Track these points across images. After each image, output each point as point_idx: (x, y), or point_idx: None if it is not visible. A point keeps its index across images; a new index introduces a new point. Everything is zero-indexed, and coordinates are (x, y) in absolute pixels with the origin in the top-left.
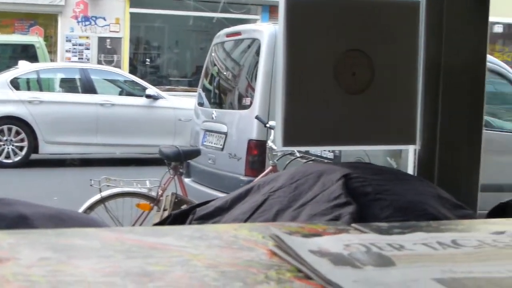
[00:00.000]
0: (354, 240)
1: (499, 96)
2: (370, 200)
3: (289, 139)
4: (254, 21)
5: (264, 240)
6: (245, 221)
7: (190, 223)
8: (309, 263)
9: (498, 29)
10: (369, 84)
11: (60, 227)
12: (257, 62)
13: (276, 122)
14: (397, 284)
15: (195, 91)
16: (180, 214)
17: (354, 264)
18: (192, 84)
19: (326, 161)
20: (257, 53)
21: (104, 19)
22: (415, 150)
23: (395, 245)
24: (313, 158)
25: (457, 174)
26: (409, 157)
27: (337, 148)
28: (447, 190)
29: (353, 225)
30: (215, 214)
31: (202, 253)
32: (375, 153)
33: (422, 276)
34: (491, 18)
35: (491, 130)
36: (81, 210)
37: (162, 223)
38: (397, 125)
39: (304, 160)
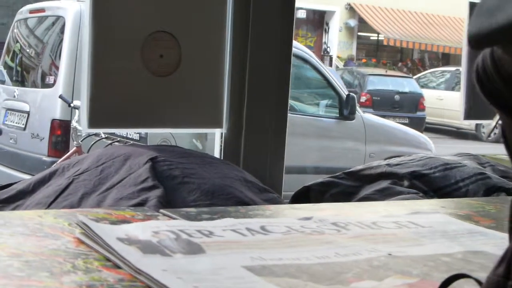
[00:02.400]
0: (163, 227)
1: (302, 81)
2: (178, 183)
3: (94, 120)
4: None
5: (70, 228)
6: (49, 205)
7: None
8: (118, 252)
9: (301, 14)
10: (177, 67)
11: None
12: (61, 40)
13: (82, 103)
14: (206, 271)
15: None
16: None
17: (164, 252)
18: None
19: (132, 142)
20: (62, 31)
21: None
22: (221, 133)
23: (204, 232)
24: (118, 139)
25: (263, 158)
26: (215, 140)
27: (143, 131)
28: (253, 173)
29: (161, 211)
30: (18, 198)
31: (5, 242)
32: (181, 135)
33: (232, 263)
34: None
35: (294, 114)
36: None
37: None
38: (204, 109)
39: (110, 141)
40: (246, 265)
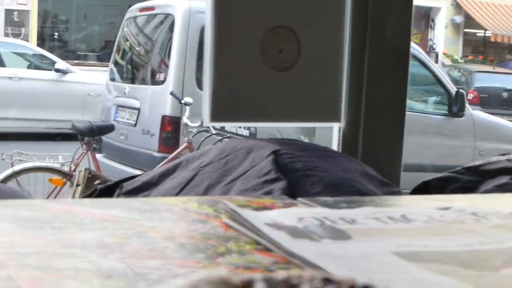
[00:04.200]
0: (306, 213)
1: (410, 77)
2: (300, 176)
3: (216, 114)
4: None
5: (216, 213)
6: (175, 196)
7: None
8: (269, 235)
9: None
10: (296, 61)
11: None
12: (170, 38)
13: (204, 98)
14: (357, 257)
15: (104, 66)
16: (106, 189)
17: (311, 237)
18: (100, 59)
19: (242, 138)
20: (171, 29)
21: None
22: (339, 127)
23: (347, 219)
24: (228, 135)
25: (381, 152)
26: (333, 134)
27: (263, 125)
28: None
29: (299, 199)
30: (143, 189)
31: (157, 225)
32: (288, 131)
33: (381, 250)
34: None
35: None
36: None
37: (88, 197)
38: (322, 102)
39: (220, 137)
40: (394, 251)
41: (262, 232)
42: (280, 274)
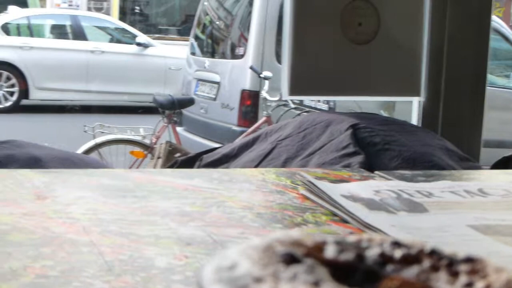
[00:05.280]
0: (383, 186)
1: (491, 52)
2: (379, 150)
3: (295, 88)
4: None
5: (293, 185)
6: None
7: None
8: (345, 207)
9: None
10: (375, 35)
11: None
12: (250, 12)
13: (282, 72)
14: (433, 229)
15: (184, 40)
16: (187, 160)
17: (388, 209)
18: (181, 33)
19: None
20: (250, 3)
21: None
22: (419, 102)
23: (424, 192)
24: (307, 109)
25: (461, 127)
26: (413, 109)
27: (341, 99)
28: (450, 142)
29: (376, 172)
30: (222, 161)
31: (236, 195)
32: (367, 105)
33: (457, 222)
34: None
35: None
36: None
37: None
38: (402, 76)
39: (298, 112)
40: (470, 224)
41: (338, 203)
42: (352, 238)
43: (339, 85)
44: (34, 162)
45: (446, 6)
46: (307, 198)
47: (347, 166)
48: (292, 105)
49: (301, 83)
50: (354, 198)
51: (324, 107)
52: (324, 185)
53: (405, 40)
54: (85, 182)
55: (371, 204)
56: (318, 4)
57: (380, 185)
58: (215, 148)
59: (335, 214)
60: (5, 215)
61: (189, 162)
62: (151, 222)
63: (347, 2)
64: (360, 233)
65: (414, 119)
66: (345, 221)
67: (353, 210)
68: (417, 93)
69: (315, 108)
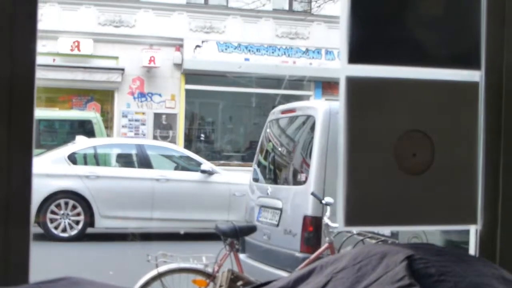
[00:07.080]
0: None
1: None
2: (434, 282)
3: (350, 219)
4: (308, 97)
5: None
6: None
7: None
8: None
9: None
10: (430, 165)
11: None
12: (312, 139)
13: (338, 202)
14: None
15: (249, 166)
16: None
17: None
18: (245, 159)
19: (383, 238)
20: (312, 129)
21: (160, 95)
22: (476, 230)
23: None
24: (370, 235)
25: None
26: (470, 237)
27: (396, 229)
28: (509, 270)
29: None
30: None
31: None
32: (432, 230)
33: None
34: None
35: None
36: (137, 285)
37: None
38: (457, 205)
39: (361, 237)
40: None
41: None
42: None
43: (394, 215)
44: None
45: (500, 133)
46: None
47: None
48: (355, 231)
49: (356, 214)
50: None
51: (387, 232)
52: None
53: (459, 169)
54: None
55: None
56: (372, 133)
57: None
58: (271, 281)
59: None
60: None
61: None
62: None
63: (401, 133)
64: None
65: (472, 247)
66: None
67: None
68: (473, 221)
69: (378, 234)
